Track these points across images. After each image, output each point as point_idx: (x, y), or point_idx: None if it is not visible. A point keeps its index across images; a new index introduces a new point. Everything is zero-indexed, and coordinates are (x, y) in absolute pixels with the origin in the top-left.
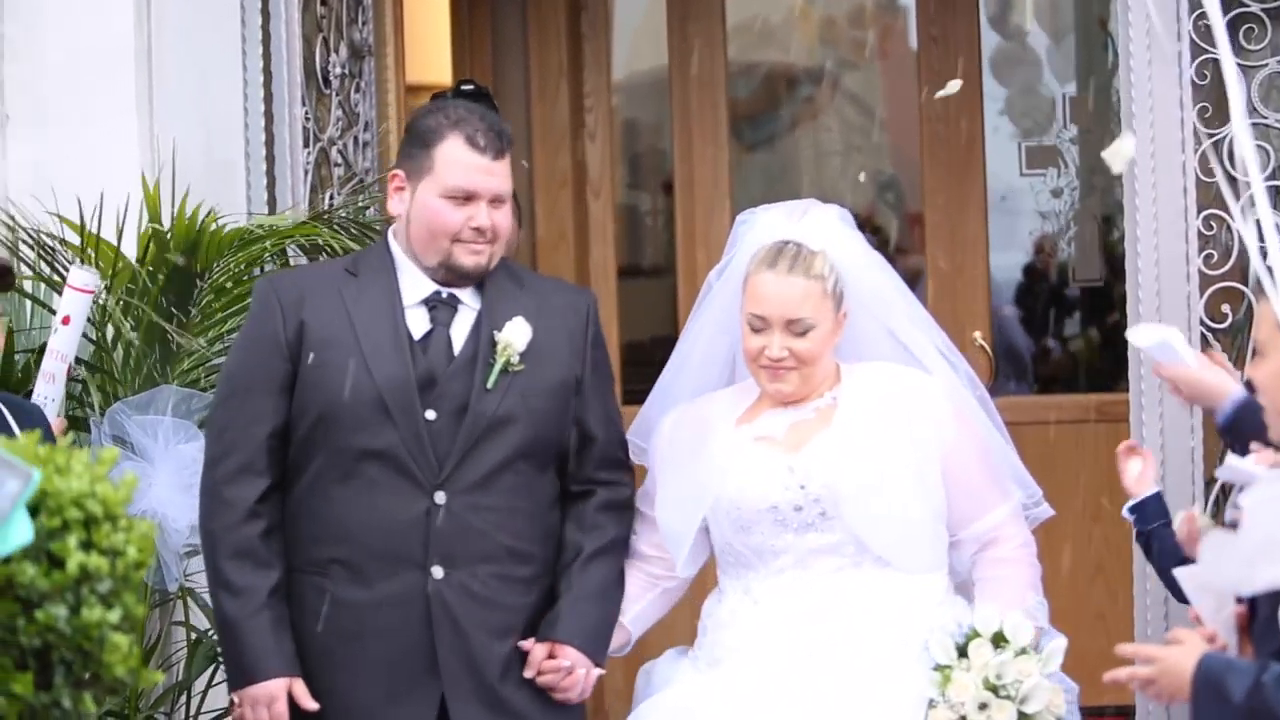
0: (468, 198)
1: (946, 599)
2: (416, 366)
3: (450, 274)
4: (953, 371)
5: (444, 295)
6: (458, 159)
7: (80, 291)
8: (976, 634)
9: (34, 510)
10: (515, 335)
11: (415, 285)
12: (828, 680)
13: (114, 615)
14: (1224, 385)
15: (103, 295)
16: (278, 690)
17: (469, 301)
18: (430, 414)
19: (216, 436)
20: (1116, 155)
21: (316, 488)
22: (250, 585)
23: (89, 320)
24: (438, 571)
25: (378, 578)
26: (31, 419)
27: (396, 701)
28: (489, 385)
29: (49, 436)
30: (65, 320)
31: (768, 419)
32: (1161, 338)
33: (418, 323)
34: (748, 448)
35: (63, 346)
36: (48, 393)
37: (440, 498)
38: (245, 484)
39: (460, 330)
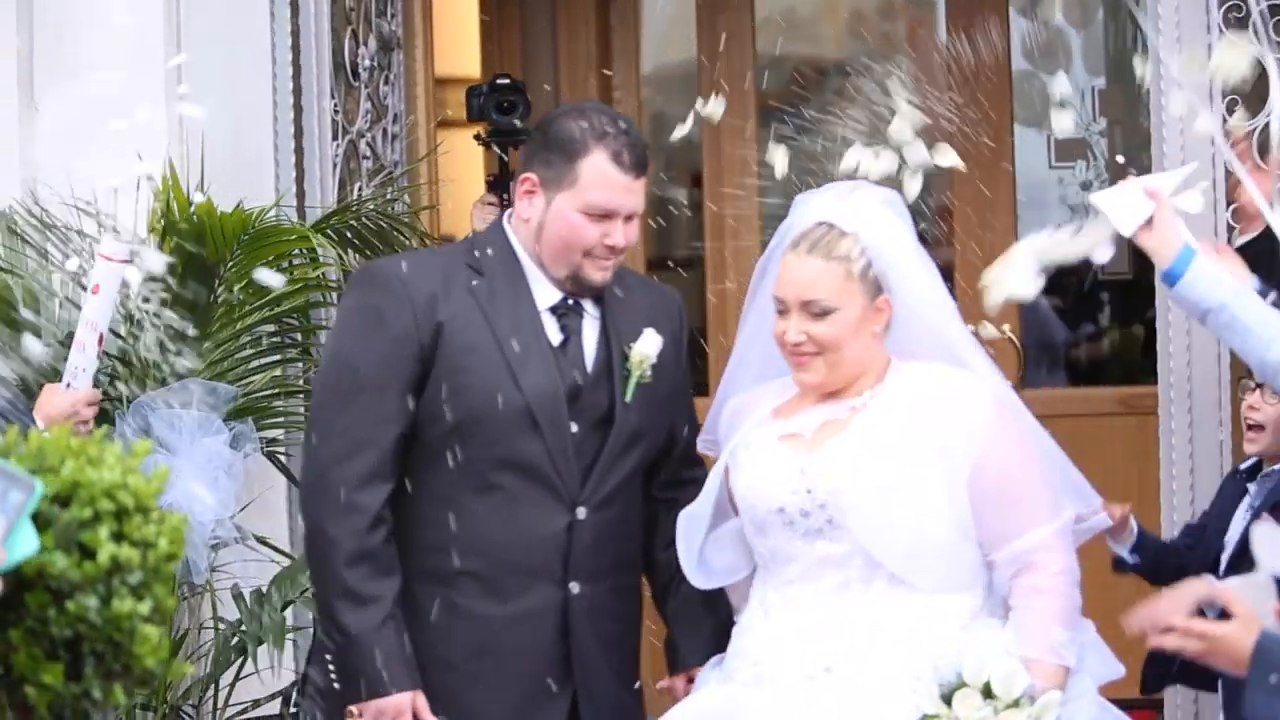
0: (606, 215)
1: (974, 623)
2: (563, 377)
3: (575, 285)
4: (997, 372)
5: (570, 302)
6: (602, 177)
7: (110, 260)
8: (964, 684)
9: (65, 501)
10: (650, 348)
11: (544, 291)
12: (821, 707)
13: (144, 607)
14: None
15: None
16: (405, 704)
17: (590, 309)
18: (574, 426)
19: (339, 434)
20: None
21: (445, 496)
22: (376, 594)
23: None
24: (574, 587)
25: (514, 592)
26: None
27: (526, 716)
28: (628, 398)
29: None
30: (95, 289)
31: (802, 415)
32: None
33: (552, 331)
34: (770, 444)
35: (93, 315)
36: (79, 362)
37: (581, 513)
38: (375, 489)
39: (589, 339)
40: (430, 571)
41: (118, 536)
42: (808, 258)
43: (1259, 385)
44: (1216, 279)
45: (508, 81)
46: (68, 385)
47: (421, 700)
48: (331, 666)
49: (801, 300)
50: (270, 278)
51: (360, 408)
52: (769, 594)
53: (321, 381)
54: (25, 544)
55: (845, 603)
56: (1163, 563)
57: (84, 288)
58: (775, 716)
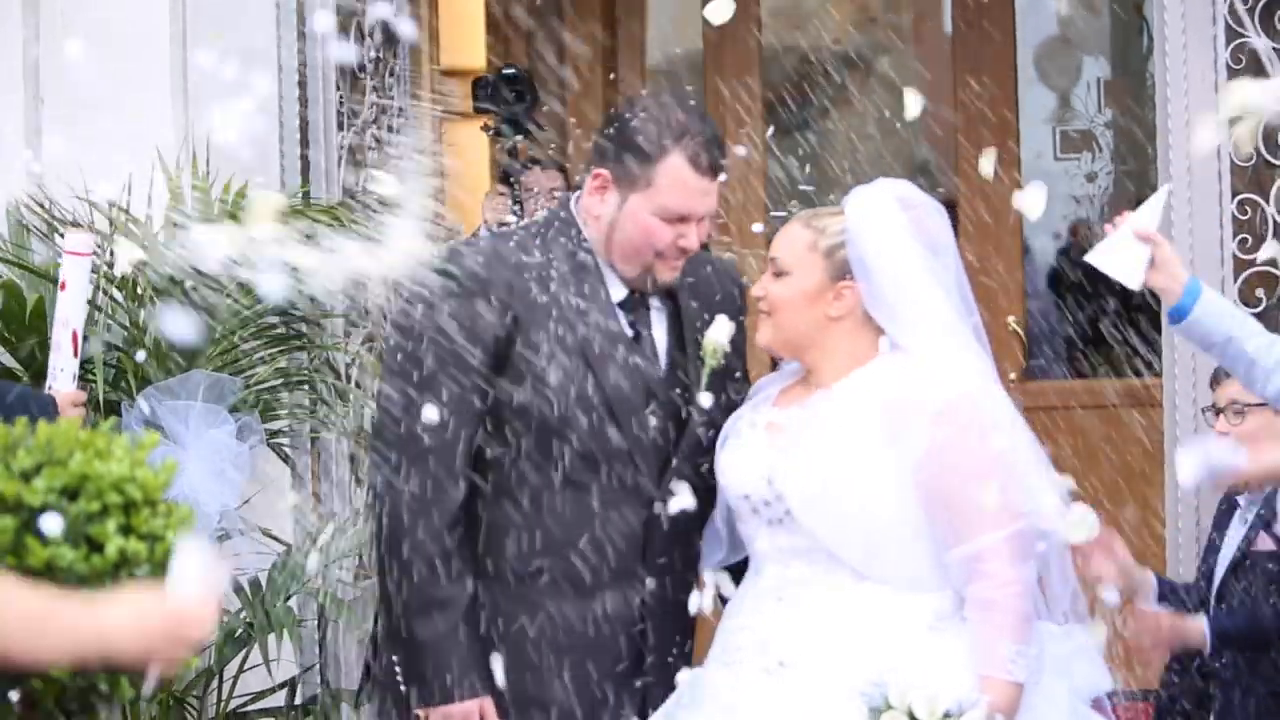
0: (681, 218)
1: (940, 625)
2: (641, 371)
3: (643, 283)
4: (973, 373)
5: (637, 296)
6: (679, 181)
7: (76, 255)
8: (890, 706)
9: (73, 494)
10: (722, 335)
11: (614, 286)
12: (770, 704)
13: None
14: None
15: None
16: (473, 711)
17: (655, 301)
18: (652, 420)
19: (417, 435)
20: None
21: (521, 494)
22: (451, 598)
23: (117, 303)
24: (650, 582)
25: (595, 589)
26: (45, 410)
27: (601, 711)
28: (704, 387)
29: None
30: (63, 286)
31: (793, 404)
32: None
33: (624, 324)
34: (753, 429)
35: (65, 312)
36: (58, 362)
37: (658, 507)
38: (454, 489)
39: (659, 331)
40: (509, 571)
41: (125, 530)
42: (796, 223)
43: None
44: (1221, 312)
45: (514, 71)
46: (49, 388)
47: (489, 705)
48: (398, 667)
49: (770, 256)
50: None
51: (436, 404)
52: (746, 582)
53: (393, 375)
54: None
55: (810, 595)
56: (1189, 599)
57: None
58: (731, 703)
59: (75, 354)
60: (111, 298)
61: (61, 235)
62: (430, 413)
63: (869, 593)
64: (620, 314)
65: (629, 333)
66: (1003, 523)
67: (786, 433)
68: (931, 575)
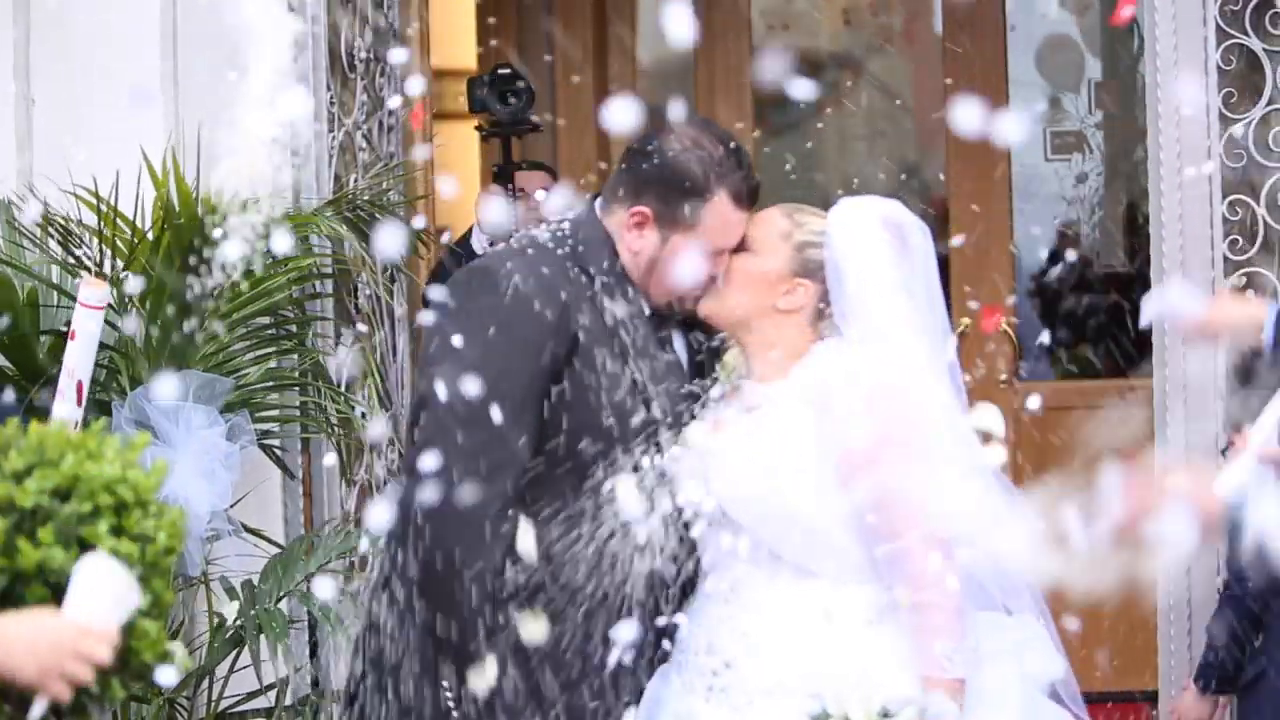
0: (720, 252)
1: (881, 617)
2: (680, 390)
3: (669, 308)
4: (910, 363)
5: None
6: (724, 221)
7: (88, 308)
8: (829, 716)
9: (65, 495)
10: (739, 359)
11: (645, 307)
12: (711, 709)
13: (143, 601)
14: (1253, 312)
15: (115, 291)
16: None
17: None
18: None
19: (472, 455)
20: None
21: (570, 516)
22: (500, 628)
23: (110, 307)
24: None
25: (639, 613)
26: None
27: None
28: None
29: None
30: (73, 335)
31: (734, 401)
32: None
33: (680, 353)
34: (703, 429)
35: (73, 362)
36: (61, 412)
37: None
38: (509, 517)
39: (680, 351)
40: (554, 590)
41: (117, 531)
42: (777, 210)
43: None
44: None
45: (509, 71)
46: None
47: None
48: (449, 693)
49: (744, 235)
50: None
51: (500, 428)
52: (701, 582)
53: (443, 396)
54: None
55: (753, 595)
56: None
57: (72, 297)
58: (679, 712)
59: (79, 404)
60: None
61: (54, 237)
62: (492, 434)
63: (810, 589)
64: (677, 340)
65: (682, 360)
66: (927, 519)
67: (722, 433)
68: (864, 568)
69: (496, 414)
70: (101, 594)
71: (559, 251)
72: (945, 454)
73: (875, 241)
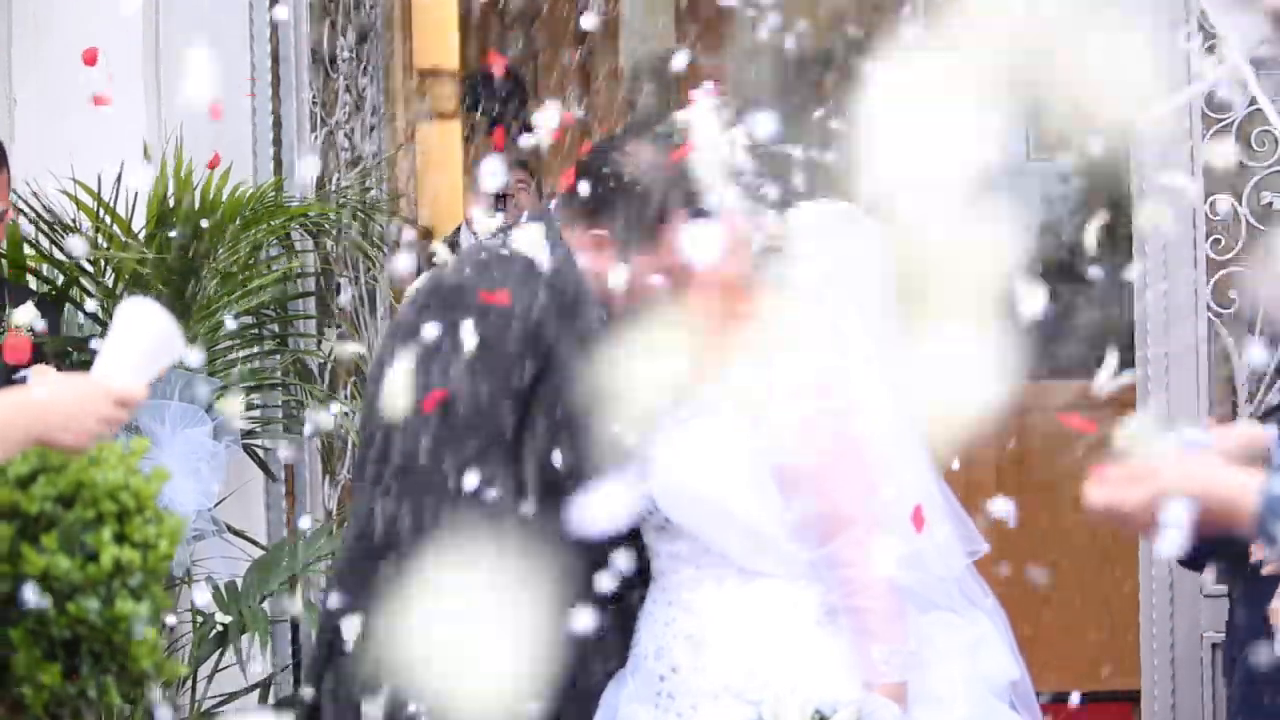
0: (679, 266)
1: (828, 617)
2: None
3: (629, 317)
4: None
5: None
6: (681, 236)
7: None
8: None
9: (69, 501)
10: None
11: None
12: (664, 711)
13: (144, 608)
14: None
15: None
16: None
17: None
18: None
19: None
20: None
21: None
22: None
23: (87, 293)
24: None
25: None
26: None
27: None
28: None
29: None
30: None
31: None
32: None
33: None
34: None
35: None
36: None
37: None
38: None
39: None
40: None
41: (119, 538)
42: (735, 213)
43: None
44: None
45: (503, 73)
46: None
47: None
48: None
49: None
50: None
51: (466, 457)
52: (651, 588)
53: (406, 426)
54: None
55: (699, 598)
56: None
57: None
58: (625, 712)
59: None
60: (85, 290)
61: (44, 233)
62: (464, 464)
63: (756, 589)
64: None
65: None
66: (862, 519)
67: (660, 436)
68: (803, 565)
69: (469, 445)
70: (132, 348)
71: (528, 267)
72: (884, 456)
73: (831, 244)
